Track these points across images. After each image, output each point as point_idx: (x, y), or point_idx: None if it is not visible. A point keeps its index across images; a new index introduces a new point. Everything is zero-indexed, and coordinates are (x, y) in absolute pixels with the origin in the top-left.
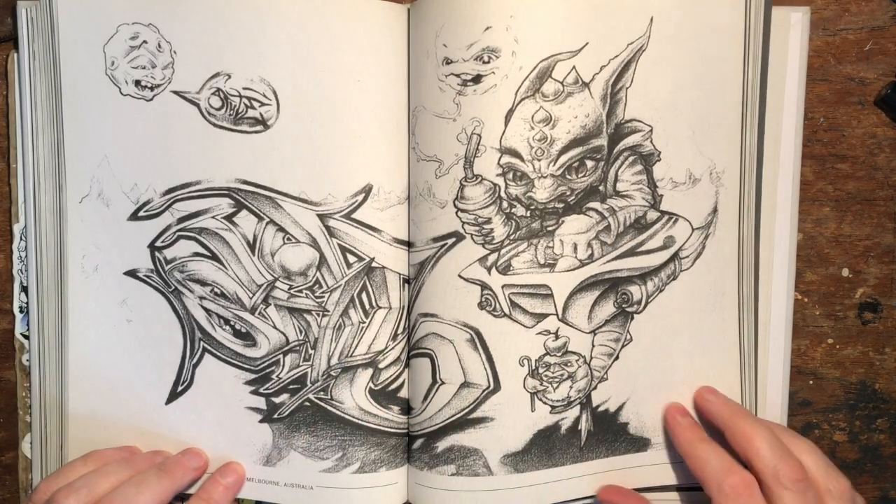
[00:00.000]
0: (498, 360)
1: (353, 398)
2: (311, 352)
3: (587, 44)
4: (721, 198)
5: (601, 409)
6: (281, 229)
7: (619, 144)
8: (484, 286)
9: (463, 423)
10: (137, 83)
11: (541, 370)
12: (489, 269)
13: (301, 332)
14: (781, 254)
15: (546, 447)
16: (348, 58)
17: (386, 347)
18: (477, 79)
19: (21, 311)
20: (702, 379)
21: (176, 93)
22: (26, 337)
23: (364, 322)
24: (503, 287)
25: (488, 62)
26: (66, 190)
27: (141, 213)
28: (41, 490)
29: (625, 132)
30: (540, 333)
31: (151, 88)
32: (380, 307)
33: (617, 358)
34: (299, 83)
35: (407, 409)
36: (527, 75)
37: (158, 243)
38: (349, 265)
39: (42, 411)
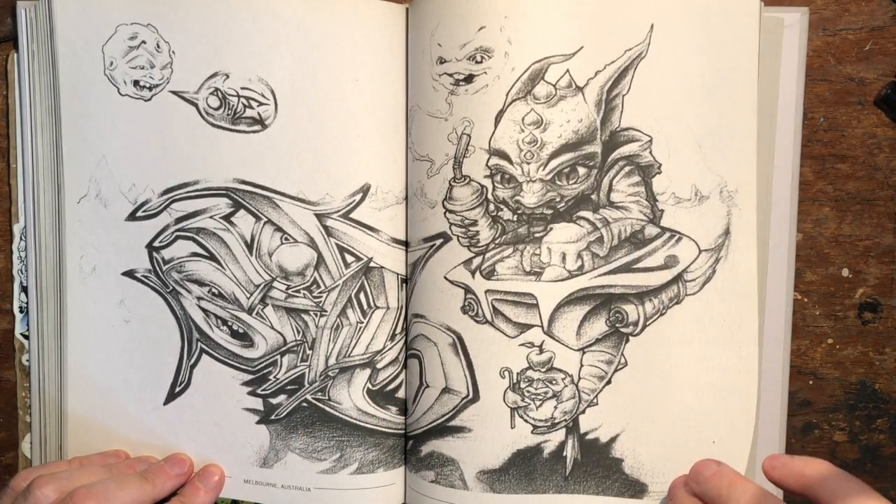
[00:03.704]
0: (478, 368)
1: (351, 398)
2: (308, 352)
3: (582, 48)
4: (734, 219)
5: (590, 436)
6: (279, 229)
7: (613, 153)
8: (467, 290)
9: (442, 429)
10: (136, 83)
11: (522, 385)
12: (473, 273)
13: (299, 332)
14: (781, 254)
15: (526, 470)
16: (346, 57)
17: (384, 347)
18: (469, 78)
19: (21, 311)
20: (711, 421)
21: (174, 93)
22: (26, 337)
23: (362, 322)
24: (486, 292)
25: (481, 62)
26: (64, 190)
27: (139, 214)
28: (21, 477)
29: (621, 140)
30: (523, 345)
31: (150, 88)
32: (377, 307)
33: (609, 382)
34: (297, 83)
35: (404, 409)
36: (518, 76)
37: (156, 243)
38: (347, 265)
39: (41, 412)
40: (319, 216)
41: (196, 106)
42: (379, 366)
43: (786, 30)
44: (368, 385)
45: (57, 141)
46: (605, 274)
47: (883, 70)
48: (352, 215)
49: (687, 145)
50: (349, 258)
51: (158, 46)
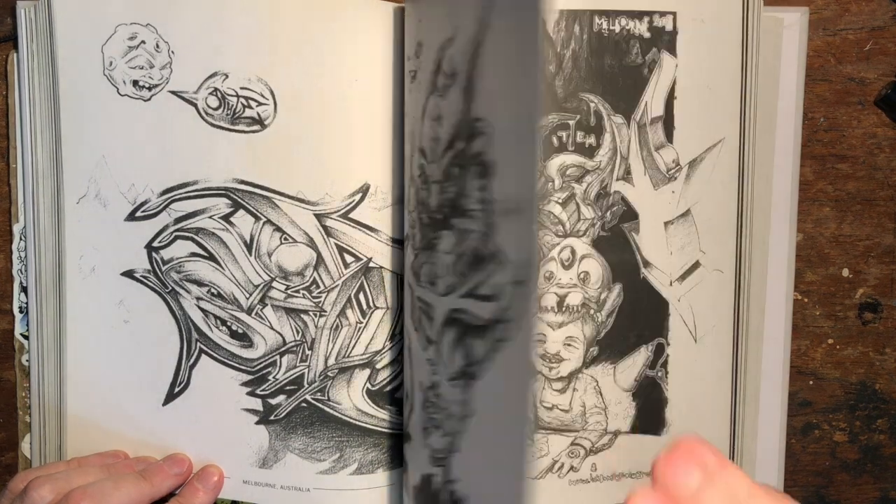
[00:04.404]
0: (414, 378)
1: (351, 399)
2: (308, 352)
3: (458, 26)
4: (543, 241)
5: (453, 490)
6: (278, 229)
7: (470, 148)
8: (411, 292)
9: (405, 434)
10: (135, 83)
11: (427, 405)
12: (413, 276)
13: (298, 332)
14: (781, 254)
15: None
16: (345, 57)
17: (383, 348)
18: (414, 75)
19: (21, 312)
20: None
21: (173, 93)
22: (26, 337)
23: (361, 322)
24: (416, 298)
25: (418, 57)
26: (63, 190)
27: (138, 214)
28: (19, 479)
29: (475, 132)
30: (429, 360)
31: (149, 88)
32: (377, 307)
33: (461, 431)
34: (296, 83)
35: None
36: (430, 69)
37: (155, 244)
38: (346, 265)
39: (41, 412)
40: (319, 216)
41: (195, 106)
42: (378, 366)
43: (786, 30)
44: (368, 385)
45: (56, 141)
46: (461, 296)
47: (883, 70)
48: (351, 215)
49: (527, 136)
50: (348, 258)
51: (158, 46)
